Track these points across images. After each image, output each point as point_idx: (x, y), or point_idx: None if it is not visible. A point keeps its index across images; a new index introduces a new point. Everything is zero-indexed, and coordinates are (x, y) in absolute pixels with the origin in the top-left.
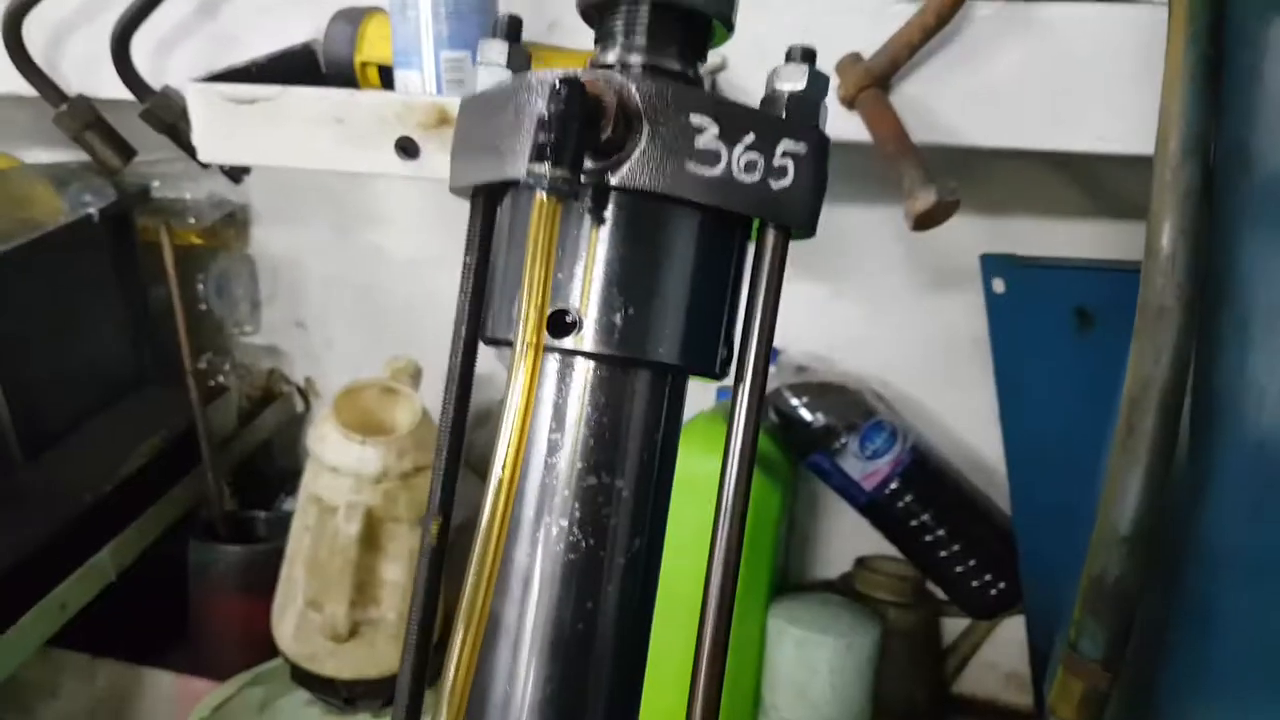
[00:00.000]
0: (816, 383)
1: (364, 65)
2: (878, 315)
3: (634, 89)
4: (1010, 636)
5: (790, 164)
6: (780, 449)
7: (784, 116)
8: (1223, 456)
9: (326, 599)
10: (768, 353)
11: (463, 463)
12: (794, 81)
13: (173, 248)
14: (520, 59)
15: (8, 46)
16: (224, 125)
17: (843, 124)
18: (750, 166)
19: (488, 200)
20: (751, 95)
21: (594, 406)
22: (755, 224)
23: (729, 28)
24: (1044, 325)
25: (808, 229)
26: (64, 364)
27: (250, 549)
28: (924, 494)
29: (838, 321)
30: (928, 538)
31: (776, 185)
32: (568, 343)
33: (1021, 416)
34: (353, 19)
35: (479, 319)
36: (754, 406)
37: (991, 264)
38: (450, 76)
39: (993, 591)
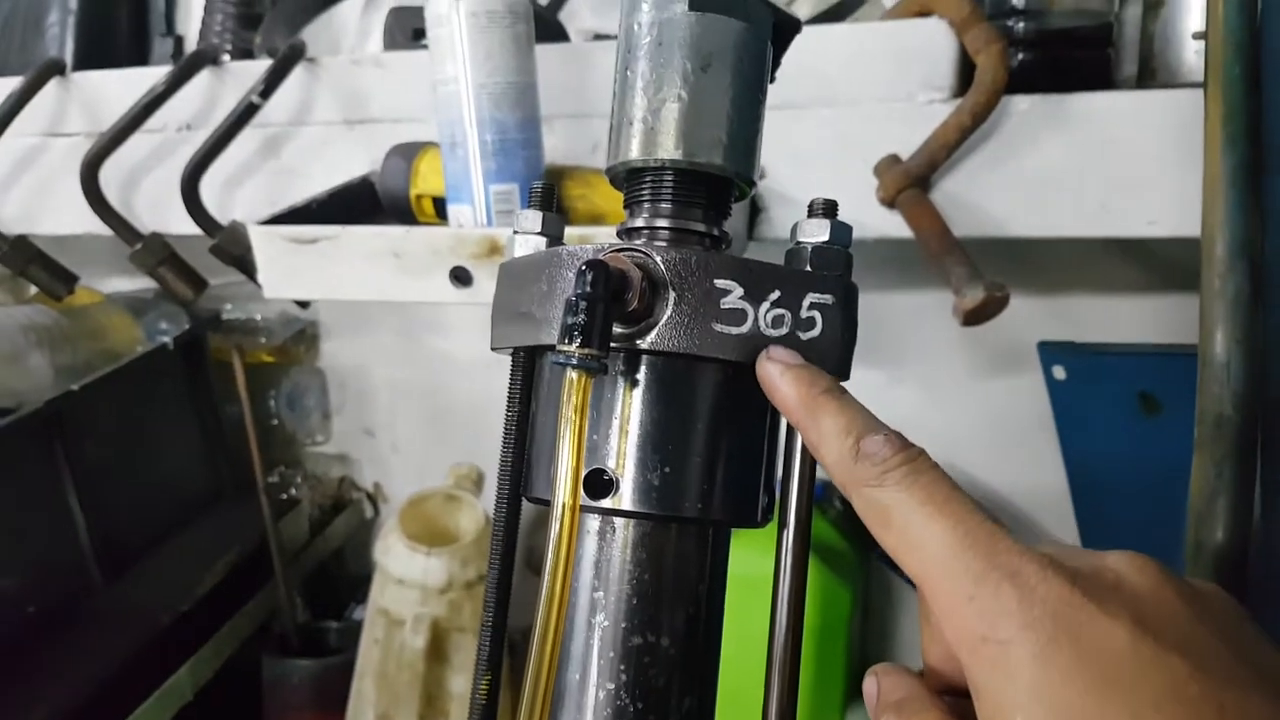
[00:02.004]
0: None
1: (419, 198)
2: (938, 399)
3: (658, 260)
4: None
5: (818, 315)
6: (849, 541)
7: (809, 269)
8: None
9: (397, 713)
10: (810, 497)
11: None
12: (817, 235)
13: (244, 369)
14: (554, 226)
15: (86, 192)
16: (287, 263)
17: (888, 219)
18: (777, 321)
19: (527, 358)
20: (791, 201)
21: (636, 564)
22: None
23: (750, 184)
24: (1109, 410)
25: (842, 373)
26: (142, 487)
27: (323, 663)
28: None
29: (898, 407)
30: None
31: (805, 336)
32: (606, 503)
33: (1093, 499)
34: (407, 154)
35: (520, 473)
36: (800, 552)
37: (1050, 351)
38: (500, 208)
39: None
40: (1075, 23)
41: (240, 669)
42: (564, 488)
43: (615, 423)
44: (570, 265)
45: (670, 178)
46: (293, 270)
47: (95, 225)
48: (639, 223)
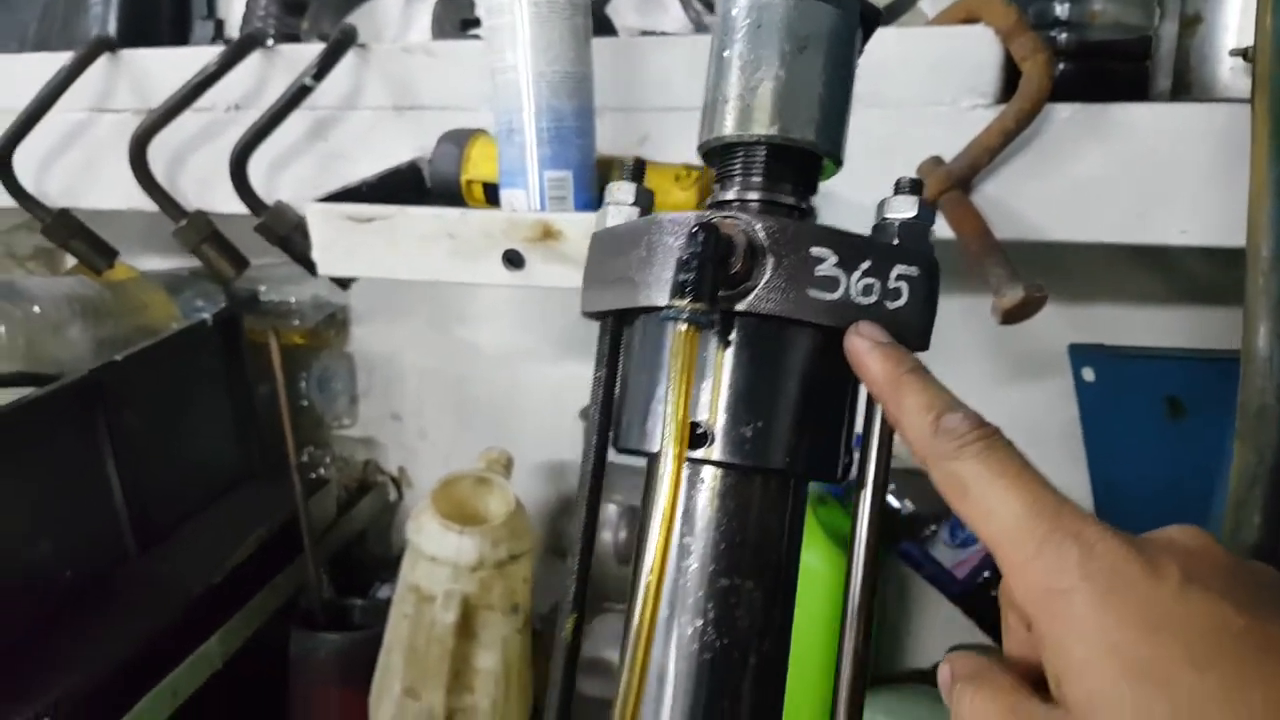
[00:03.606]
0: (904, 469)
1: (469, 183)
2: (965, 402)
3: (759, 227)
4: None
5: (904, 286)
6: None
7: (896, 243)
8: None
9: (424, 687)
10: (888, 458)
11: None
12: (905, 211)
13: (279, 349)
14: (645, 198)
15: (135, 168)
16: (342, 241)
17: None
18: (867, 290)
19: (616, 322)
20: (836, 198)
21: (724, 512)
22: None
23: (838, 164)
24: (1135, 413)
25: (922, 343)
26: (177, 460)
27: (349, 637)
28: None
29: None
30: None
31: (892, 305)
32: (700, 453)
33: (1115, 502)
34: (459, 140)
35: (608, 428)
36: (876, 509)
37: (1080, 354)
38: (553, 194)
39: None
40: (1115, 36)
41: (267, 643)
42: (671, 437)
43: (710, 379)
44: (672, 231)
45: (764, 152)
46: (347, 248)
47: (139, 201)
48: (730, 195)
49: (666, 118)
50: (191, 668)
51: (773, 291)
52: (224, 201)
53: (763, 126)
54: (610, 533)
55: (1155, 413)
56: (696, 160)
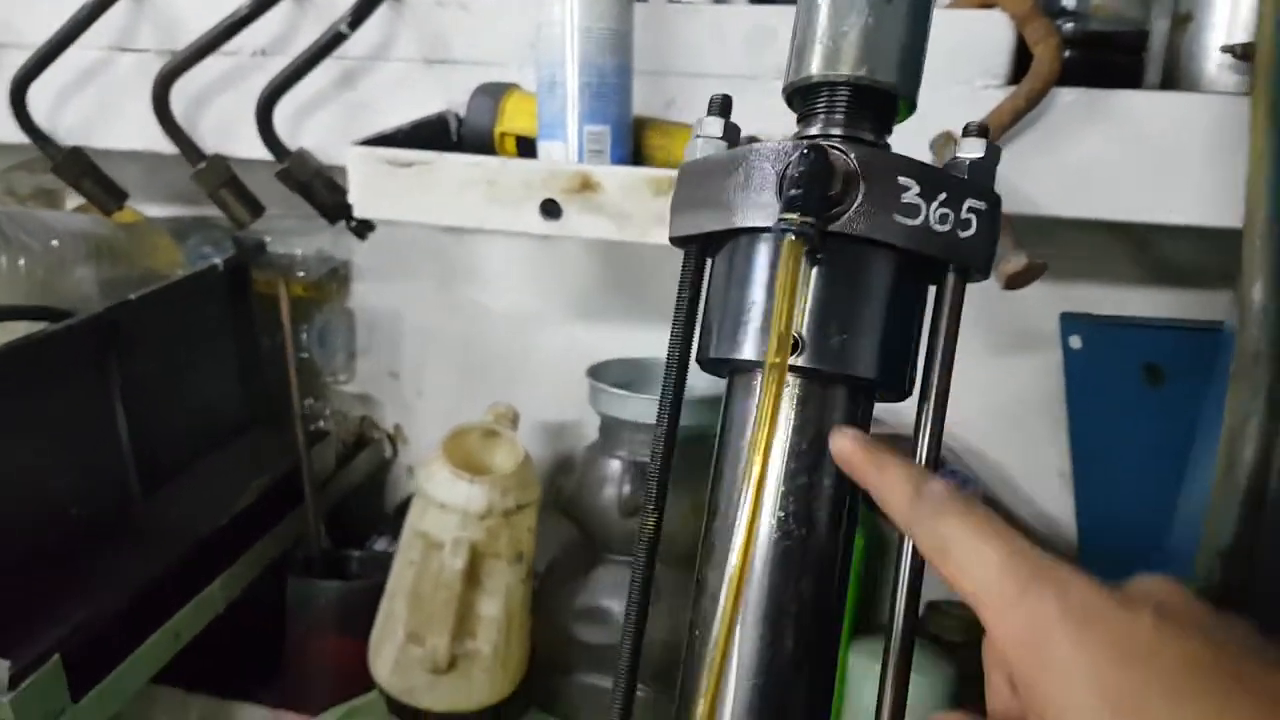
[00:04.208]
0: (888, 433)
1: (503, 135)
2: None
3: (854, 155)
4: None
5: (974, 218)
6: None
7: (967, 178)
8: None
9: (429, 632)
10: (949, 377)
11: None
12: (974, 151)
13: (289, 299)
14: (733, 132)
15: (157, 108)
16: (380, 185)
17: None
18: (943, 219)
19: (700, 249)
20: None
21: (804, 416)
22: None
23: (912, 107)
24: (1116, 379)
25: (985, 272)
26: (183, 405)
27: (348, 585)
28: None
29: None
30: None
31: (963, 235)
32: (793, 360)
33: (1093, 467)
34: (493, 94)
35: (689, 343)
36: (938, 423)
37: (1069, 322)
38: (592, 148)
39: None
40: (1115, 28)
41: (263, 592)
42: (774, 344)
43: (801, 293)
44: (771, 157)
45: (847, 92)
46: (385, 192)
47: (156, 142)
48: (814, 130)
49: (693, 83)
50: (195, 610)
51: (863, 215)
52: (242, 146)
53: (850, 67)
54: (614, 488)
55: (1134, 380)
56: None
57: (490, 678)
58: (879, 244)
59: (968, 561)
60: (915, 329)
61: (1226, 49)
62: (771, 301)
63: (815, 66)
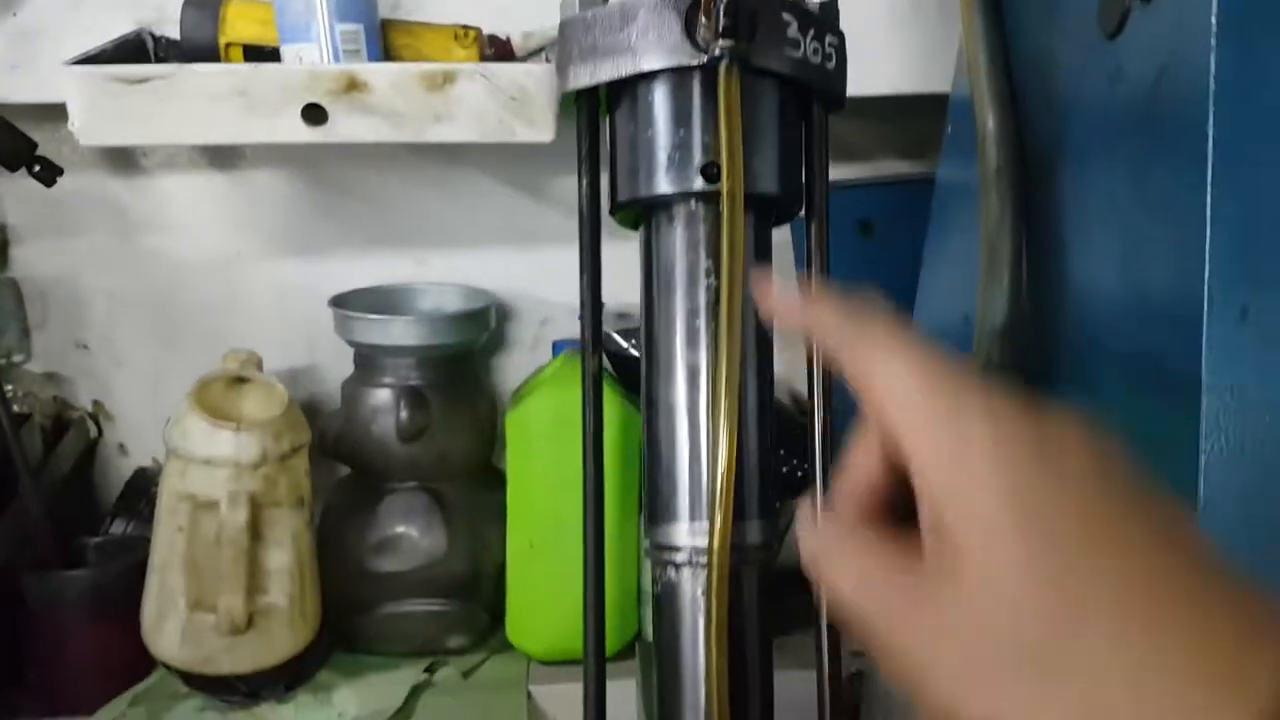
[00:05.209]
0: (637, 326)
1: (228, 46)
2: None
3: None
4: None
5: (834, 53)
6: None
7: (822, 17)
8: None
9: (219, 594)
10: (826, 199)
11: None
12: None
13: None
14: None
15: None
16: (111, 106)
17: None
18: (815, 52)
19: (592, 100)
20: None
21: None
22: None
23: None
24: (836, 236)
25: (842, 104)
26: None
27: (101, 571)
28: None
29: None
30: None
31: (829, 66)
32: (714, 187)
33: None
34: (208, 4)
35: (598, 197)
36: (822, 238)
37: None
38: (347, 47)
39: (798, 474)
40: None
41: None
42: (727, 171)
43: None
44: (671, 3)
45: None
46: (118, 113)
47: None
48: None
49: None
50: None
51: (763, 48)
52: None
53: None
54: (388, 416)
55: (851, 235)
56: (462, 21)
57: (290, 629)
58: (771, 74)
59: (891, 387)
60: (799, 154)
61: None
62: (695, 134)
63: None
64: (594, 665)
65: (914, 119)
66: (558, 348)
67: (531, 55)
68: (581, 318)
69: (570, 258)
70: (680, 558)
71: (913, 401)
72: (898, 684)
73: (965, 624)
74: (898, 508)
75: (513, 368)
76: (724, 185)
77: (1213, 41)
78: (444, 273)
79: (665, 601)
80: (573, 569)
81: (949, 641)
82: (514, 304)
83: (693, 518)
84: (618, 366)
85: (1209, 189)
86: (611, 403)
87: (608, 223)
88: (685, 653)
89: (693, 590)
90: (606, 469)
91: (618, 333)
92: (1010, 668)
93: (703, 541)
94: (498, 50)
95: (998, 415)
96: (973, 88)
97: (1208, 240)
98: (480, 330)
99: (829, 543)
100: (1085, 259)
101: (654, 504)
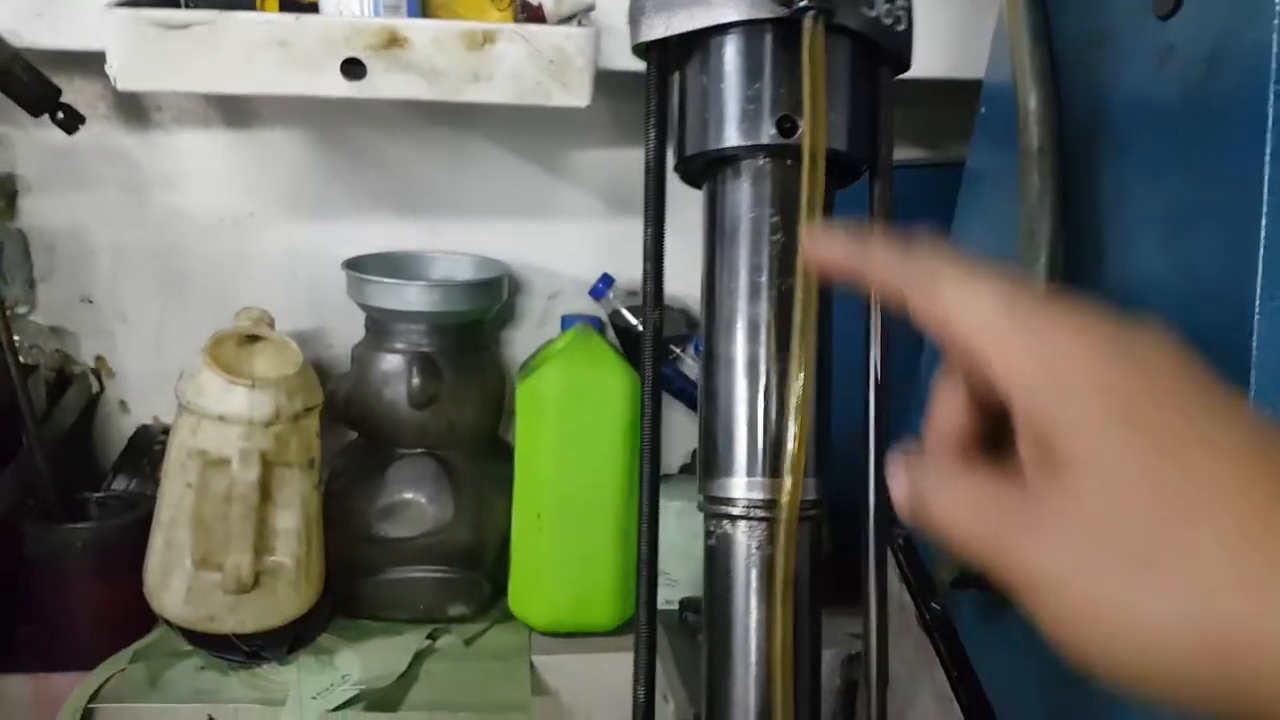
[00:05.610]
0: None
1: None
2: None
3: None
4: None
5: (904, 15)
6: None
7: None
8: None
9: (226, 552)
10: (891, 155)
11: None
12: None
13: None
14: None
15: None
16: (151, 51)
17: None
18: (887, 14)
19: (663, 52)
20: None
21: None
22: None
23: None
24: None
25: (908, 66)
26: None
27: (105, 524)
28: None
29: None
30: None
31: (898, 29)
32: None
33: None
34: None
35: (664, 147)
36: (885, 195)
37: None
38: (388, 2)
39: None
40: None
41: None
42: (808, 128)
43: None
44: None
45: None
46: (158, 59)
47: None
48: None
49: None
50: None
51: (843, 3)
52: None
53: None
54: (400, 382)
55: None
56: None
57: (295, 591)
58: (846, 31)
59: (968, 312)
60: (870, 114)
61: None
62: (766, 88)
63: None
64: (645, 632)
65: (929, 107)
66: (567, 322)
67: (563, 21)
68: (645, 269)
69: (580, 232)
70: (736, 510)
71: (994, 321)
72: (1031, 613)
73: (1082, 528)
74: (988, 446)
75: (520, 341)
76: (805, 140)
77: (1276, 21)
78: (454, 242)
79: (719, 555)
80: (578, 541)
81: (1069, 550)
82: (523, 277)
83: (749, 472)
84: (626, 343)
85: (1266, 170)
86: (625, 376)
87: (627, 202)
88: (737, 606)
89: (748, 544)
90: (621, 443)
91: (627, 309)
92: (1130, 568)
93: (759, 495)
94: (530, 14)
95: (1080, 321)
96: (1014, 67)
97: (1263, 222)
98: (493, 299)
99: (933, 483)
100: (1125, 240)
101: (710, 458)
